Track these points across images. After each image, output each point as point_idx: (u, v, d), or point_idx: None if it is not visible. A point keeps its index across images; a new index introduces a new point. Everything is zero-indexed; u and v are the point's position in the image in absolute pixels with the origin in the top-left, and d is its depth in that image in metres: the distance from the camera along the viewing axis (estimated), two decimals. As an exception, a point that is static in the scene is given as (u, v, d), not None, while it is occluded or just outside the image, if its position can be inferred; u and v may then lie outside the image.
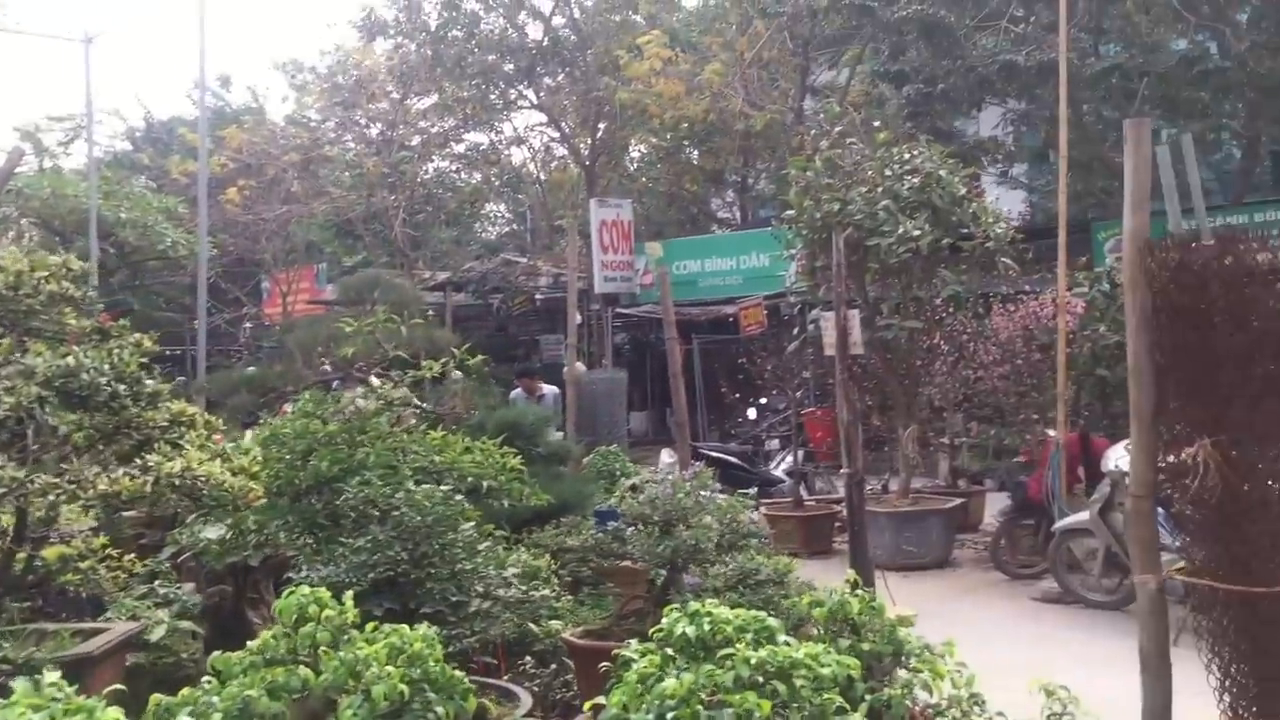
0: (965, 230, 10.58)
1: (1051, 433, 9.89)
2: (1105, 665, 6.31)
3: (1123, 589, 8.08)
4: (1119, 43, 19.80)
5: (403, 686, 2.68)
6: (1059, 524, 8.73)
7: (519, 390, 11.99)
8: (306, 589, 2.97)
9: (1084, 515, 8.47)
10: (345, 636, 2.91)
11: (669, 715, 2.56)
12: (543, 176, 27.34)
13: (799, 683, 2.95)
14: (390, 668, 2.74)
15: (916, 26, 18.86)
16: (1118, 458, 8.37)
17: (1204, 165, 23.35)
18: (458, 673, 2.98)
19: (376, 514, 3.92)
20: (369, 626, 3.02)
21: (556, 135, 25.90)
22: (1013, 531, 10.02)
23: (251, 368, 10.86)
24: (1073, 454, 9.67)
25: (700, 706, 2.59)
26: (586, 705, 2.87)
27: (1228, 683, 3.46)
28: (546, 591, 4.29)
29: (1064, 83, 10.71)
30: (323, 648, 2.84)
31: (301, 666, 2.76)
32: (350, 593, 3.07)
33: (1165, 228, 3.70)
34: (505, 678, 4.25)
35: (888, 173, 10.67)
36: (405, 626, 2.99)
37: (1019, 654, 7.03)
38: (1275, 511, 3.32)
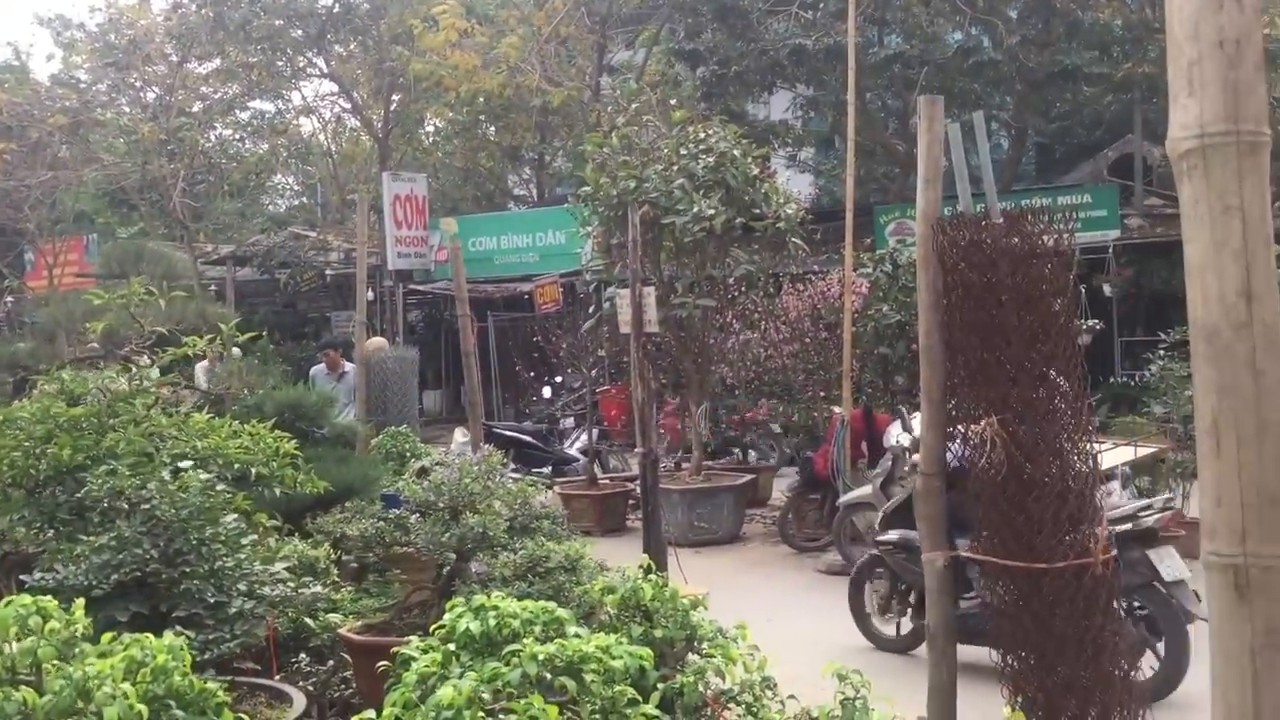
0: (757, 211, 10.69)
1: (837, 409, 10.12)
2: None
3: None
4: (900, 33, 20.52)
5: (141, 706, 2.37)
6: (843, 498, 8.93)
7: (320, 366, 11.47)
8: (28, 598, 2.60)
9: (867, 489, 8.68)
10: (75, 650, 2.57)
11: (445, 728, 2.36)
12: (334, 148, 26.32)
13: (589, 677, 2.79)
14: (127, 685, 2.41)
15: (712, 8, 19.03)
16: (898, 433, 8.63)
17: (976, 154, 24.64)
18: (211, 684, 2.68)
19: (126, 507, 3.53)
20: (105, 637, 2.68)
21: (348, 106, 24.97)
22: (800, 506, 10.23)
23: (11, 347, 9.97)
24: (856, 430, 9.92)
25: (482, 714, 2.40)
26: (357, 717, 2.62)
27: (1010, 659, 3.51)
28: (319, 588, 4.00)
29: (852, 69, 10.95)
30: (47, 664, 2.49)
31: (22, 687, 2.41)
32: (81, 600, 2.72)
33: (955, 207, 3.70)
34: (278, 677, 3.94)
35: (683, 152, 10.67)
36: (149, 635, 2.66)
37: (805, 625, 7.16)
38: (1057, 489, 3.37)
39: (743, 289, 11.19)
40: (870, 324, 10.85)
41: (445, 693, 2.41)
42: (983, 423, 3.47)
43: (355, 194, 22.88)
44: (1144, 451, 8.62)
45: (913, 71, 19.88)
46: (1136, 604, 5.74)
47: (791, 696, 3.42)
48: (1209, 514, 1.81)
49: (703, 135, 10.89)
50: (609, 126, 13.97)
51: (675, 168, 10.46)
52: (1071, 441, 3.46)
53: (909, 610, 6.33)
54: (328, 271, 23.16)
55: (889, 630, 6.62)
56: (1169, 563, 5.80)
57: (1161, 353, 10.12)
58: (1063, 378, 3.45)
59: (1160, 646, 5.68)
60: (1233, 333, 1.73)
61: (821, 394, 11.38)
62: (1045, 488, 3.37)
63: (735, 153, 10.66)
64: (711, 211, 10.04)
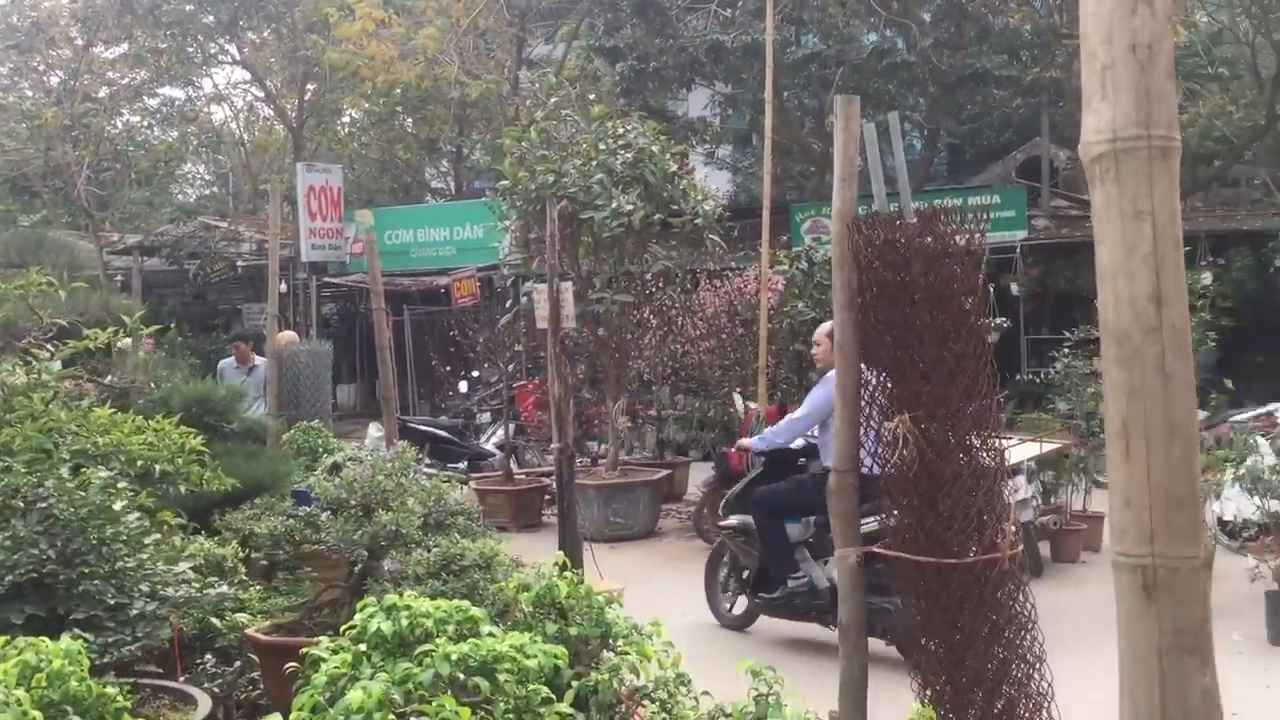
0: (675, 207, 10.72)
1: (753, 405, 10.20)
2: (802, 629, 6.54)
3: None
4: (817, 33, 20.74)
5: (36, 713, 2.28)
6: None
7: (230, 359, 11.23)
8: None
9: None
10: (-35, 655, 2.47)
11: (356, 732, 2.31)
12: (246, 137, 25.77)
13: (503, 677, 2.77)
14: (21, 691, 2.33)
15: (631, 4, 19.03)
16: (812, 428, 8.71)
17: (889, 154, 25.02)
18: (110, 689, 2.60)
19: (21, 506, 3.40)
20: (-1, 641, 2.59)
21: (261, 95, 24.46)
22: (715, 500, 10.27)
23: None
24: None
25: (393, 716, 2.36)
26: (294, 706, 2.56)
27: (919, 654, 3.56)
28: (225, 588, 3.90)
29: (770, 67, 11.03)
30: (-66, 671, 2.39)
31: (-93, 696, 2.31)
32: (-28, 603, 2.62)
33: (871, 206, 3.74)
34: (182, 679, 3.84)
35: (602, 147, 10.65)
36: (45, 639, 2.57)
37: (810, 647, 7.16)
38: (967, 485, 3.42)
39: (660, 285, 11.22)
40: (786, 320, 10.96)
41: (355, 696, 2.37)
42: (895, 420, 3.51)
43: (268, 184, 22.43)
44: (1049, 447, 8.81)
45: (829, 71, 20.10)
46: None
47: (705, 693, 3.43)
48: (1118, 515, 1.83)
49: (621, 131, 10.89)
50: (528, 120, 13.89)
51: (594, 163, 10.44)
52: (981, 438, 3.51)
53: (745, 590, 6.98)
54: (239, 263, 22.69)
55: (729, 608, 7.33)
56: None
57: (1066, 351, 10.36)
58: (973, 376, 3.51)
59: None
60: (1143, 336, 1.73)
61: (737, 389, 11.45)
62: (955, 484, 3.42)
63: (654, 149, 10.68)
64: (630, 207, 10.04)
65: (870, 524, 5.89)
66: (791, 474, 7.01)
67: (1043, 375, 10.30)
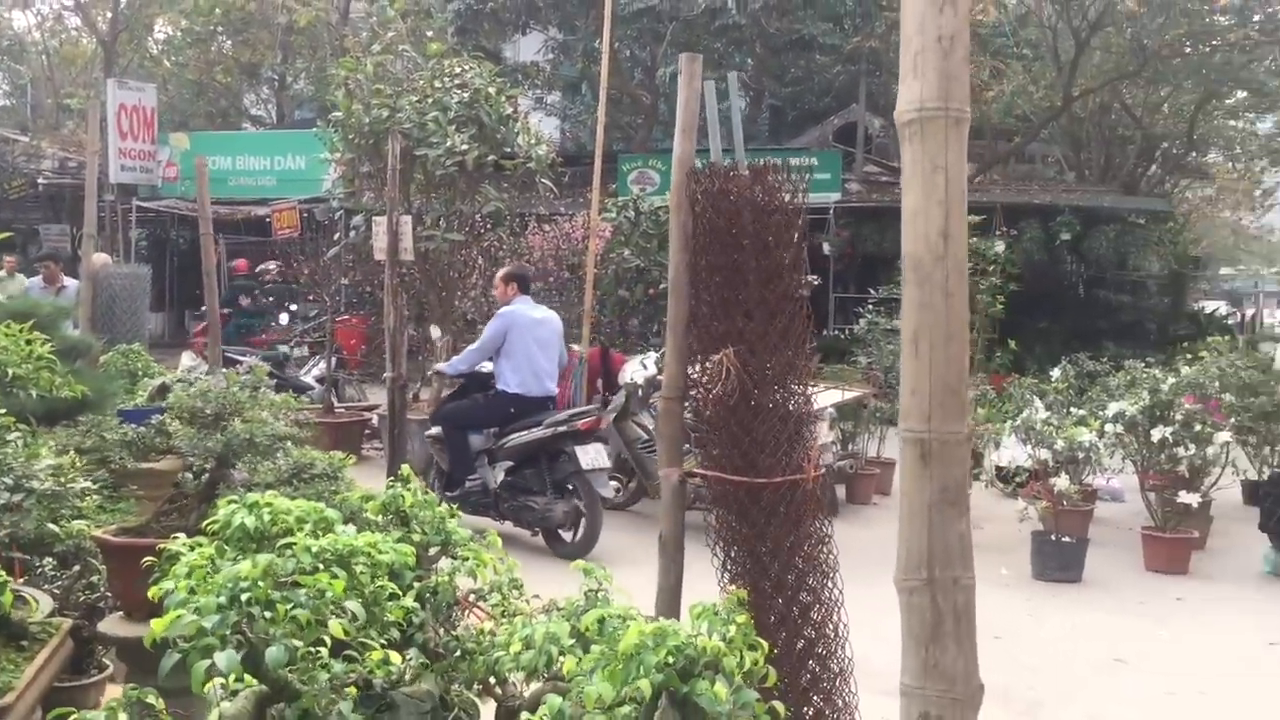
0: (509, 149, 10.85)
1: (576, 347, 10.52)
2: (613, 555, 6.94)
3: (628, 491, 8.85)
4: (653, -14, 21.02)
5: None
6: (578, 432, 9.33)
7: (37, 279, 10.86)
8: None
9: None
10: None
11: (243, 596, 2.52)
12: (51, 47, 24.31)
13: (359, 569, 3.00)
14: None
15: (469, -58, 18.89)
16: (633, 371, 9.12)
17: (719, 110, 25.60)
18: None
19: None
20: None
21: (70, 3, 23.12)
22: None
23: None
24: (593, 367, 10.36)
25: (272, 590, 2.57)
26: (153, 592, 2.73)
27: (727, 562, 3.96)
28: (87, 483, 3.97)
29: (609, 17, 11.26)
30: None
31: None
32: None
33: (708, 158, 4.07)
34: (20, 581, 3.90)
35: (438, 84, 10.66)
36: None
37: (537, 549, 7.52)
38: (780, 414, 3.81)
39: (490, 226, 11.35)
40: (612, 267, 11.30)
41: (243, 566, 2.57)
42: (720, 353, 3.86)
43: (72, 99, 21.30)
44: (850, 395, 9.45)
45: (662, 26, 20.45)
46: (569, 486, 7.52)
47: (536, 596, 3.74)
48: (906, 401, 2.29)
49: (458, 70, 10.92)
50: (358, 52, 13.70)
51: (429, 100, 10.45)
52: (794, 373, 3.91)
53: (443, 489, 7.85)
54: (40, 180, 21.54)
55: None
56: (591, 455, 7.51)
57: (870, 308, 11.06)
58: (790, 318, 3.88)
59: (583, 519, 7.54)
60: (933, 263, 2.20)
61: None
62: (770, 412, 3.81)
63: (490, 90, 10.76)
64: (465, 147, 10.12)
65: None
66: (481, 393, 8.07)
67: (848, 331, 10.98)
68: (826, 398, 8.86)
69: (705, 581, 3.79)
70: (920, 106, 2.22)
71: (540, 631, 3.00)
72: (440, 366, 8.41)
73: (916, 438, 2.23)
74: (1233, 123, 24.43)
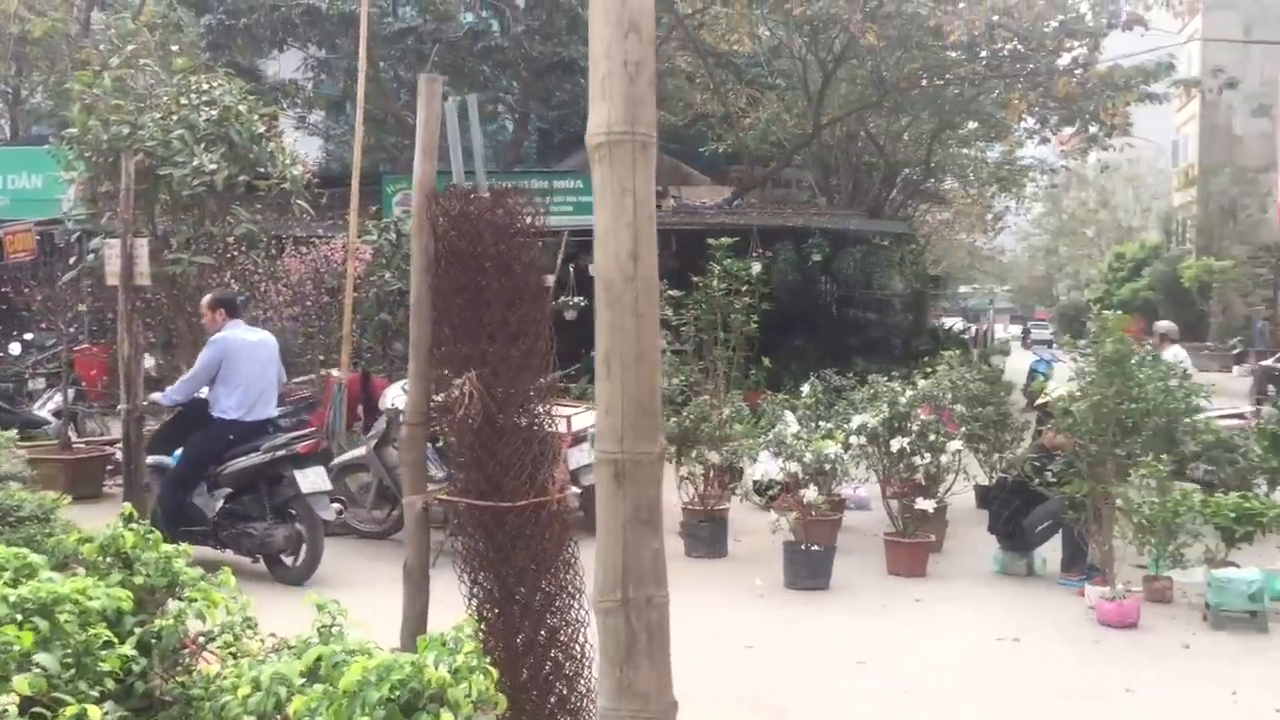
0: (262, 169, 10.48)
1: (335, 373, 10.24)
2: (371, 586, 6.77)
3: (391, 519, 8.68)
4: (415, 6, 20.81)
5: None
6: (337, 460, 9.09)
7: None
8: None
9: (361, 451, 8.93)
10: None
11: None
12: None
13: (64, 618, 2.81)
14: None
15: (218, -47, 18.18)
16: (394, 396, 8.96)
17: (482, 134, 25.57)
18: None
19: None
20: None
21: None
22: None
23: None
24: (354, 393, 10.12)
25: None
26: None
27: (475, 589, 3.92)
28: None
29: (364, 36, 11.07)
30: None
31: None
32: None
33: (450, 180, 4.04)
34: None
35: (184, 101, 10.19)
36: None
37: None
38: (524, 436, 3.81)
39: (243, 249, 10.92)
40: (372, 290, 11.05)
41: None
42: (464, 376, 3.83)
43: None
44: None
45: (425, 46, 20.25)
46: (290, 510, 7.53)
47: (272, 634, 3.60)
48: (601, 422, 2.31)
49: (206, 86, 10.47)
50: (100, 65, 12.94)
51: (175, 117, 9.98)
52: (538, 395, 3.91)
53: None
54: None
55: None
56: (311, 479, 7.50)
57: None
58: (534, 339, 3.89)
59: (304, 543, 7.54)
60: (623, 284, 2.24)
61: (321, 358, 11.42)
62: (514, 435, 3.80)
63: (241, 108, 10.37)
64: (213, 166, 9.72)
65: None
66: (202, 422, 7.89)
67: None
68: (587, 419, 8.93)
69: (458, 609, 3.74)
70: (608, 130, 2.25)
71: (268, 673, 2.88)
72: (155, 396, 8.12)
73: (609, 458, 2.26)
74: (965, 151, 26.23)
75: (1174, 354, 11.23)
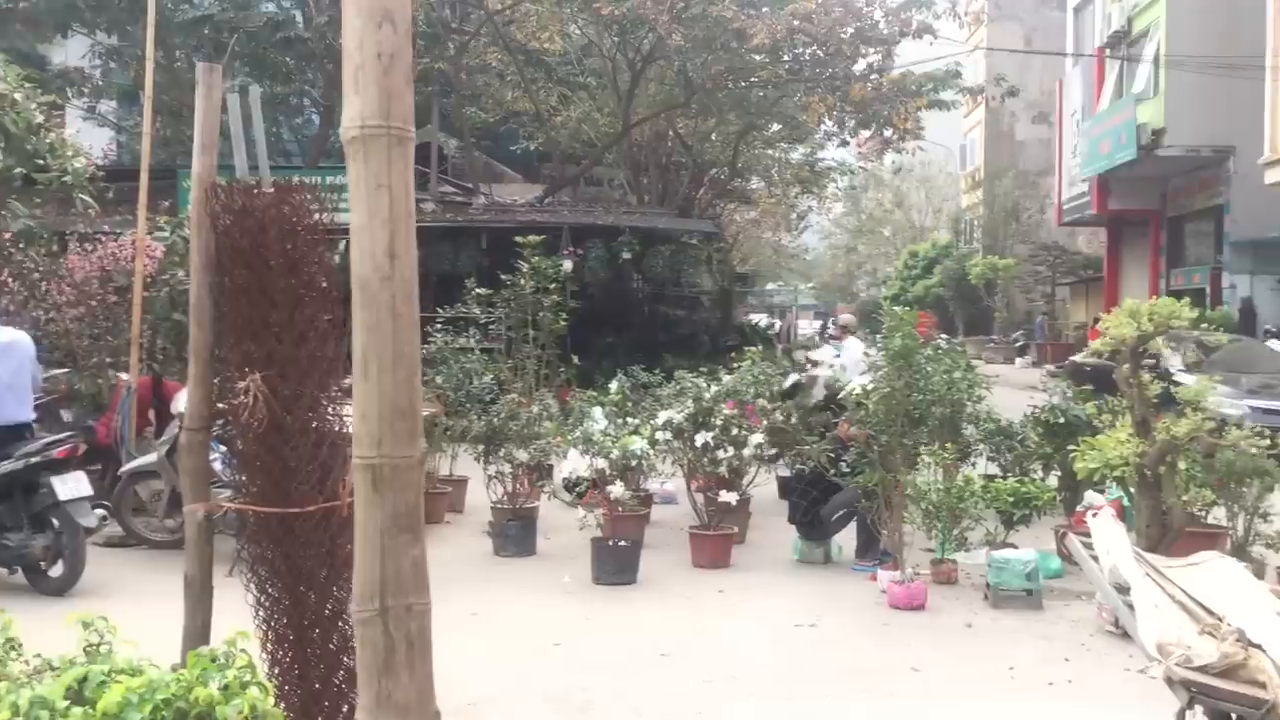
0: (41, 161, 9.88)
1: (124, 376, 9.75)
2: (157, 599, 6.47)
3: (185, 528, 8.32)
4: (213, -6, 20.02)
5: None
6: (126, 466, 8.68)
7: None
8: None
9: (152, 457, 8.54)
10: None
11: None
12: None
13: None
14: None
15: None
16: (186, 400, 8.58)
17: (286, 127, 24.75)
18: None
19: None
20: None
21: None
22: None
23: None
24: (144, 397, 9.66)
25: None
26: None
27: (264, 599, 3.80)
28: None
29: (152, 23, 10.56)
30: None
31: None
32: None
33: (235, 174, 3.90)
34: None
35: (-49, 87, 9.51)
36: None
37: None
38: (312, 439, 3.71)
39: (21, 246, 10.28)
40: (165, 289, 10.56)
41: None
42: (247, 379, 3.70)
43: None
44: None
45: (223, 36, 19.48)
46: (49, 519, 7.24)
47: (38, 654, 3.40)
48: (358, 427, 2.27)
49: (-21, 74, 9.80)
50: None
51: (-64, 104, 9.30)
52: (326, 396, 3.82)
53: None
54: None
55: None
56: (70, 486, 7.23)
57: (438, 327, 11.10)
58: (322, 339, 3.79)
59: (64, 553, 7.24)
60: (379, 284, 2.20)
61: (109, 360, 10.84)
62: (302, 438, 3.69)
63: (17, 96, 9.74)
64: (-14, 158, 9.11)
65: None
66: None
67: (422, 351, 10.95)
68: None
69: (240, 619, 3.61)
70: (362, 124, 2.21)
71: (27, 697, 2.72)
72: None
73: (367, 464, 2.20)
74: (770, 152, 26.97)
75: (852, 345, 11.79)
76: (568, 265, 16.16)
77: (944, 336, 12.77)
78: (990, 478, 9.13)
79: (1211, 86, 23.53)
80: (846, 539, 8.43)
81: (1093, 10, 32.74)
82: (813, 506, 8.33)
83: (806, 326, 54.52)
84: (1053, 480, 9.43)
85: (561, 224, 18.70)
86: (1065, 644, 6.38)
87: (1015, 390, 15.59)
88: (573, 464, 8.54)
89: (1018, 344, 37.61)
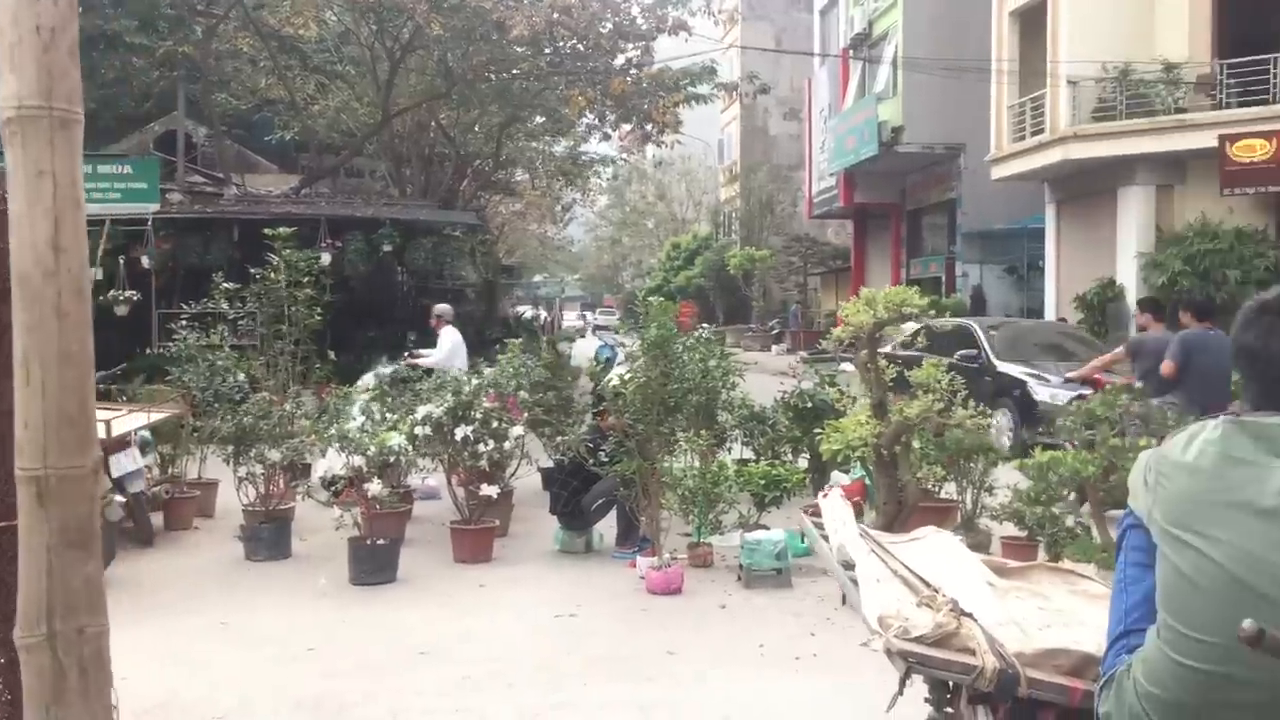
0: None
1: None
2: None
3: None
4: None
5: None
6: None
7: None
8: None
9: None
10: None
11: None
12: None
13: None
14: None
15: None
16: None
17: None
18: None
19: None
20: None
21: None
22: None
23: None
24: None
25: None
26: None
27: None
28: None
29: None
30: None
31: None
32: None
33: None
34: None
35: None
36: None
37: None
38: (10, 447, 3.45)
39: None
40: None
41: None
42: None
43: None
44: (158, 417, 8.96)
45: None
46: None
47: None
48: (20, 436, 2.10)
49: None
50: None
51: None
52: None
53: None
54: None
55: None
56: None
57: (184, 323, 10.59)
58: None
59: None
60: (42, 279, 2.04)
61: None
62: (5, 447, 3.43)
63: None
64: None
65: None
66: None
67: (171, 348, 10.38)
68: (131, 421, 8.32)
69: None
70: (19, 104, 2.02)
71: None
72: None
73: (31, 476, 2.05)
74: (534, 144, 26.99)
75: (448, 335, 12.16)
76: (326, 258, 15.69)
77: (705, 325, 13.23)
78: (744, 462, 9.47)
79: (944, 88, 25.14)
80: (608, 527, 8.56)
81: (837, 13, 34.37)
82: (573, 497, 8.42)
83: (575, 318, 54.90)
84: (803, 462, 9.88)
85: (319, 216, 18.13)
86: (812, 619, 6.69)
87: (771, 376, 16.18)
88: (329, 462, 8.32)
89: (774, 332, 39.14)
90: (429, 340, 13.00)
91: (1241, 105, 18.68)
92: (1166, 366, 8.80)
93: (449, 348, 12.14)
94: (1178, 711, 2.14)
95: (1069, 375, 11.73)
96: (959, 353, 13.87)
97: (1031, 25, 22.28)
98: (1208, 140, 18.34)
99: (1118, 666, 2.32)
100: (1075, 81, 20.15)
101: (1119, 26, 19.96)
